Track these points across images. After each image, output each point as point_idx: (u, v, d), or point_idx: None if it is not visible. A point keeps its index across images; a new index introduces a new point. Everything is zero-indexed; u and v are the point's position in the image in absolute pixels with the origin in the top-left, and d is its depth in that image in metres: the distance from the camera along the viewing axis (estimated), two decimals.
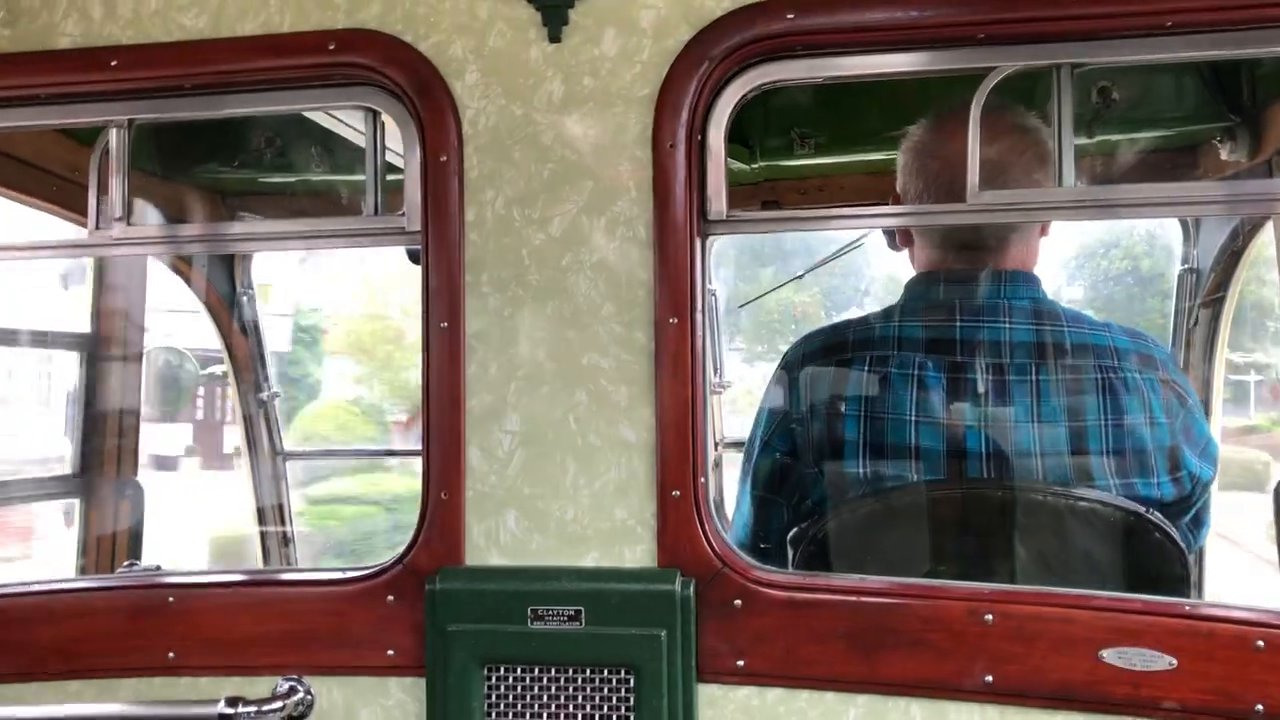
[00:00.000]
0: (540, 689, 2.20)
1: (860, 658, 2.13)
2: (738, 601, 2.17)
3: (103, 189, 2.50)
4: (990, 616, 2.08)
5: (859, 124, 3.56)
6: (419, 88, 2.30)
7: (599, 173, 2.26)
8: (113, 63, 2.42)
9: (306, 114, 3.12)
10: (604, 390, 2.24)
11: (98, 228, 2.51)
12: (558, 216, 2.27)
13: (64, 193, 3.36)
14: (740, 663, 2.17)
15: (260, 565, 4.47)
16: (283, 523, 4.40)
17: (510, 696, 2.21)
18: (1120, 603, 2.09)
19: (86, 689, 2.38)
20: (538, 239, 2.27)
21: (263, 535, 4.37)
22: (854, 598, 2.16)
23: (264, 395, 4.32)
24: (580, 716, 2.19)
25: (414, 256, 3.68)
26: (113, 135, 2.47)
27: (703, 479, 2.20)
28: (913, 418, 2.48)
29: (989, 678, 2.07)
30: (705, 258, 2.26)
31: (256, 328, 4.27)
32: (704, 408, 2.23)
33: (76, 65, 2.44)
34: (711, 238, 2.27)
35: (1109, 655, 2.04)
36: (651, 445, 2.21)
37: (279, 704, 2.27)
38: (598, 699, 2.18)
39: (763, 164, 3.67)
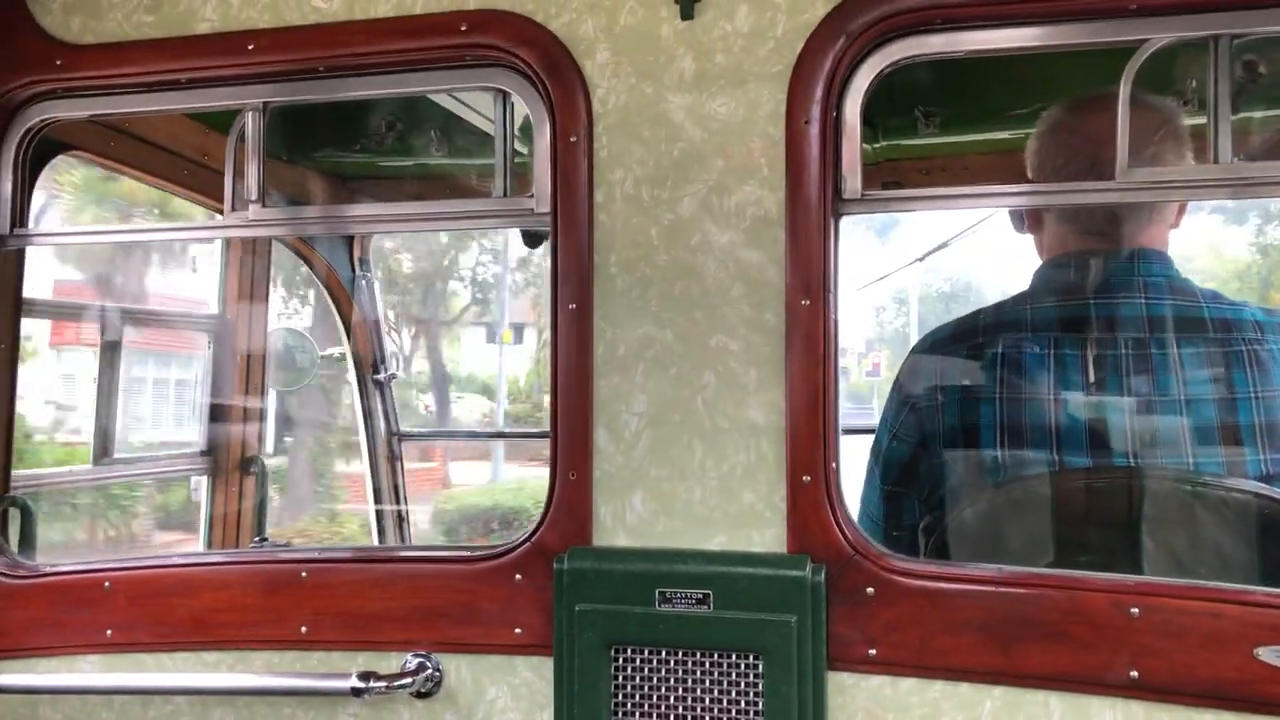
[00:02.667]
0: (667, 671, 2.19)
1: (997, 649, 2.07)
2: (870, 589, 2.13)
3: (237, 172, 2.55)
4: (1136, 610, 2.00)
5: (985, 102, 3.45)
6: (549, 68, 2.30)
7: (730, 151, 2.22)
8: (250, 46, 2.46)
9: (427, 96, 3.15)
10: (733, 372, 2.21)
11: (233, 210, 2.56)
12: (687, 196, 2.24)
13: (195, 176, 3.45)
14: (872, 651, 2.12)
15: (375, 543, 4.56)
16: (398, 501, 4.47)
17: (637, 678, 2.20)
18: (1277, 599, 1.99)
19: (223, 659, 2.45)
20: (667, 219, 2.25)
21: (378, 514, 4.44)
22: (991, 588, 2.10)
23: (380, 376, 4.39)
24: (708, 700, 2.17)
25: (529, 239, 3.70)
26: (249, 119, 2.52)
27: (834, 464, 2.16)
28: (1051, 396, 2.41)
29: (1134, 673, 2.00)
30: (839, 238, 2.21)
31: (375, 310, 4.34)
32: (835, 391, 2.19)
33: (215, 49, 2.49)
34: (845, 217, 2.22)
35: (1266, 654, 1.94)
36: (781, 428, 2.18)
37: (408, 679, 2.30)
38: (725, 683, 2.16)
39: (884, 143, 3.59)
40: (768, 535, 2.18)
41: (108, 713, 2.49)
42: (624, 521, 2.26)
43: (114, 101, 2.63)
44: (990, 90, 3.39)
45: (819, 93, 2.18)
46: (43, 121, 2.66)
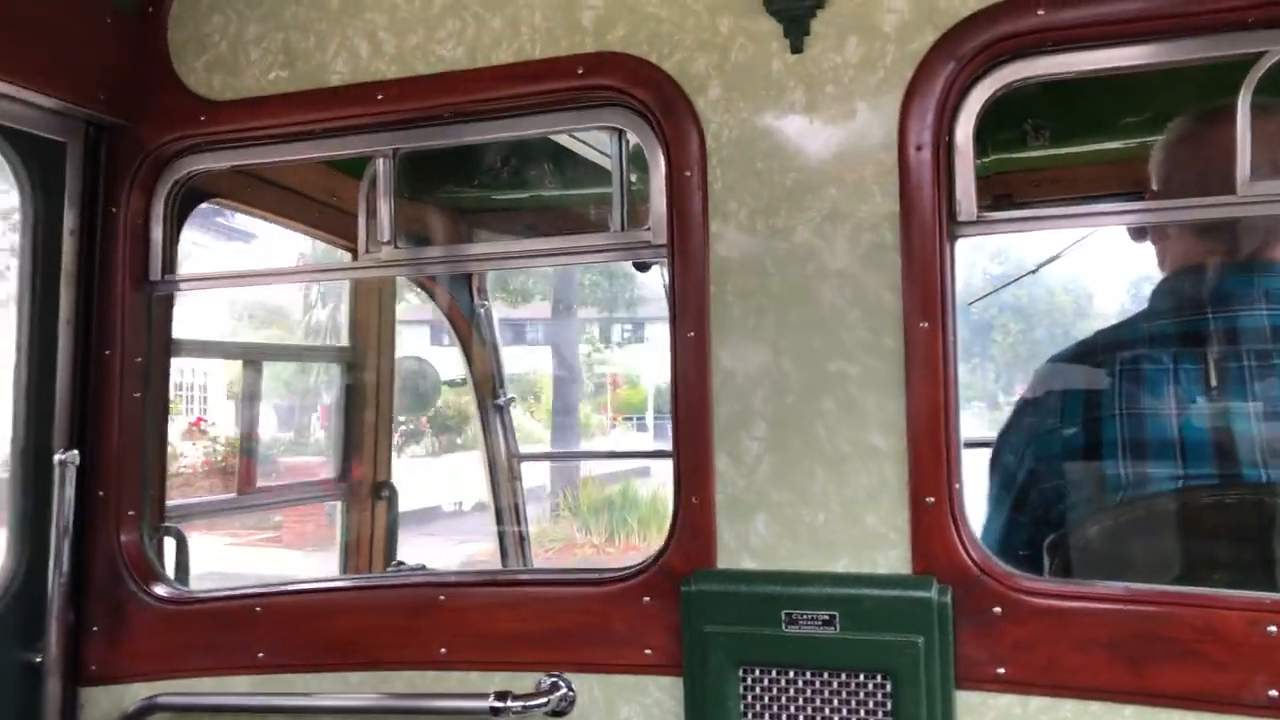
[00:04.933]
0: (796, 691, 2.23)
1: (1127, 668, 2.06)
2: (997, 609, 2.14)
3: (370, 214, 2.68)
4: (1274, 628, 1.97)
5: (1095, 113, 3.43)
6: (663, 106, 2.37)
7: (843, 179, 2.27)
8: (379, 96, 2.60)
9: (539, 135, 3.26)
10: (852, 396, 2.25)
11: (367, 251, 2.69)
12: (801, 225, 2.29)
13: (325, 217, 3.62)
14: (1000, 670, 2.13)
15: (499, 565, 4.68)
16: (518, 523, 4.58)
17: (766, 698, 2.25)
18: None
19: (367, 679, 2.56)
20: (782, 247, 2.30)
21: (500, 535, 4.56)
22: (1120, 606, 2.09)
23: (500, 401, 4.51)
24: (837, 719, 2.21)
25: (640, 267, 3.78)
26: (380, 164, 2.66)
27: (958, 485, 2.18)
28: (1174, 411, 2.38)
29: (1273, 692, 1.97)
30: (955, 260, 2.24)
31: (493, 337, 4.47)
32: (957, 412, 2.21)
33: (347, 100, 2.63)
34: (960, 239, 2.24)
35: None
36: (902, 451, 2.20)
37: (544, 699, 2.39)
38: (854, 703, 2.19)
39: (993, 157, 3.58)
40: (892, 557, 2.21)
41: None
42: (748, 544, 2.31)
43: (253, 152, 2.80)
44: (1101, 101, 3.36)
45: (930, 118, 2.21)
46: (189, 173, 2.85)
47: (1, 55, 2.47)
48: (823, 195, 2.28)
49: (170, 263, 2.87)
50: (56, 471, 2.58)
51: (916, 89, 2.22)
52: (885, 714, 2.17)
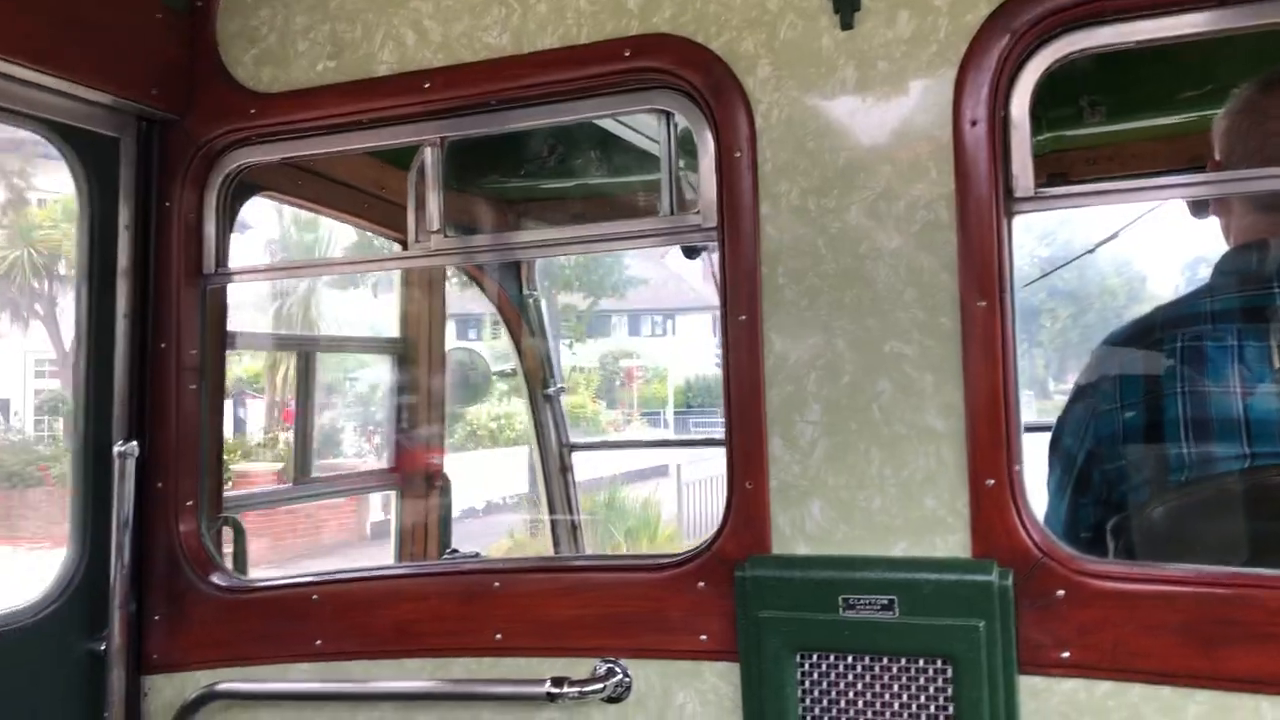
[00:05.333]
0: (854, 677, 2.20)
1: (1199, 651, 2.01)
2: (1060, 592, 2.10)
3: (419, 205, 2.68)
4: None
5: (1152, 87, 3.35)
6: (712, 87, 2.35)
7: (896, 157, 2.23)
8: (426, 85, 2.60)
9: (585, 120, 3.25)
10: (908, 377, 2.21)
11: (416, 241, 2.70)
12: (854, 204, 2.26)
13: (374, 209, 3.64)
14: (1064, 654, 2.09)
15: (550, 553, 4.69)
16: (570, 511, 4.59)
17: (824, 684, 2.22)
18: None
19: (424, 666, 2.58)
20: (834, 227, 2.27)
21: (553, 525, 4.57)
22: (1190, 588, 2.04)
23: (550, 390, 4.52)
24: (896, 705, 2.18)
25: (688, 251, 3.75)
26: (427, 154, 2.66)
27: (1017, 466, 2.14)
28: (1238, 389, 2.32)
29: None
30: (1012, 237, 2.19)
31: (543, 327, 4.47)
32: (1016, 393, 2.16)
33: (394, 90, 2.64)
34: (1018, 216, 2.20)
35: None
36: (961, 433, 2.17)
37: (599, 685, 2.38)
38: (914, 688, 2.17)
39: (1048, 135, 3.51)
40: (951, 541, 2.18)
41: (320, 717, 2.65)
42: (803, 529, 2.28)
43: (303, 144, 2.81)
44: (1158, 75, 3.28)
45: (985, 93, 2.16)
46: (240, 167, 2.87)
47: (56, 53, 2.50)
48: (876, 174, 2.24)
49: (223, 256, 2.90)
50: (116, 463, 2.62)
51: (970, 63, 2.17)
52: (946, 699, 2.14)
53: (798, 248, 2.30)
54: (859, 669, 2.20)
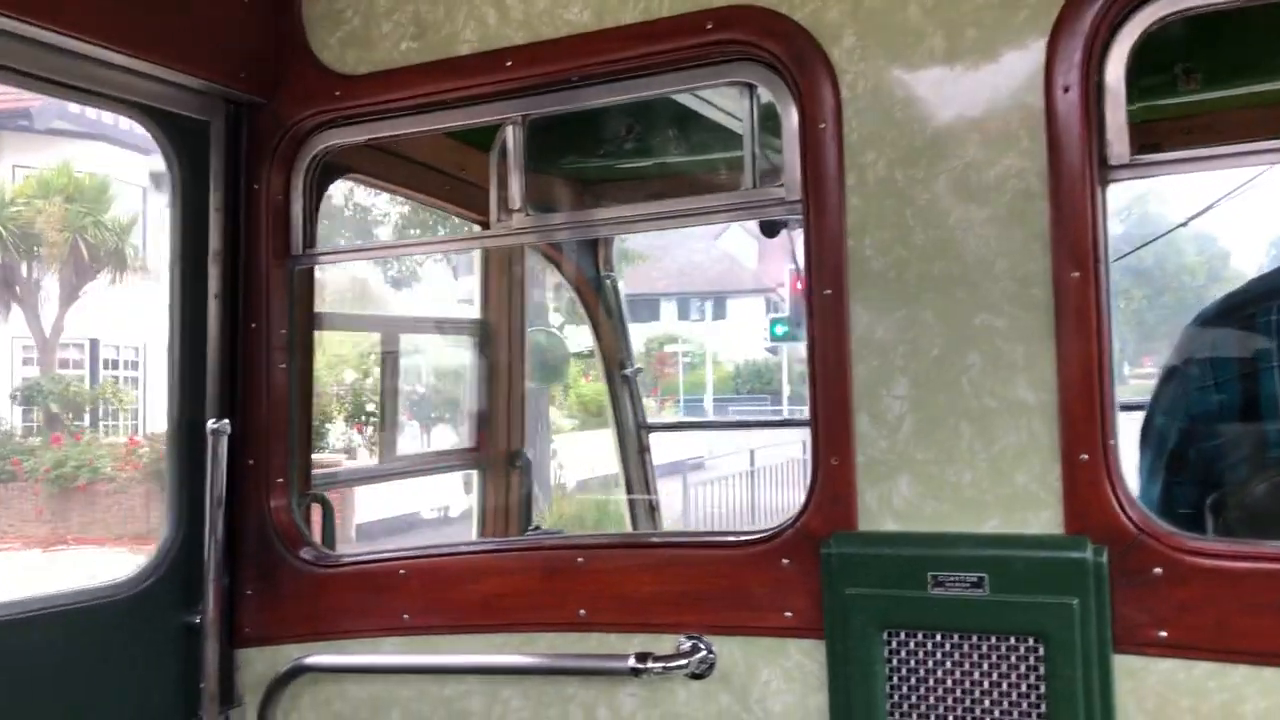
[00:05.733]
0: (943, 655, 2.17)
1: None
2: (1158, 570, 2.04)
3: (501, 183, 2.70)
4: None
5: (1250, 53, 3.23)
6: (796, 57, 2.32)
7: (986, 126, 2.18)
8: (508, 63, 2.61)
9: (664, 96, 3.23)
10: (999, 350, 2.17)
11: (498, 220, 2.71)
12: (943, 173, 2.21)
13: (456, 190, 3.67)
14: (1162, 634, 2.04)
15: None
16: (648, 491, 4.59)
17: (912, 661, 2.20)
18: None
19: (509, 641, 2.60)
20: (923, 198, 2.23)
21: (630, 504, 4.58)
22: None
23: (627, 371, 4.52)
24: (986, 684, 2.14)
25: (767, 228, 3.71)
26: (509, 132, 2.67)
27: (1113, 441, 2.09)
28: None
29: None
30: (1106, 206, 2.14)
31: (619, 307, 4.48)
32: (1111, 365, 2.11)
33: (476, 68, 2.65)
34: (1113, 184, 2.14)
35: None
36: (1053, 406, 2.12)
37: (683, 661, 2.38)
38: (1005, 667, 2.13)
39: (1139, 104, 3.41)
40: (1043, 517, 2.13)
41: (407, 690, 2.70)
42: (890, 505, 2.25)
43: (387, 125, 2.84)
44: (1256, 41, 3.16)
45: (1079, 57, 2.11)
46: (325, 149, 2.91)
47: (149, 38, 2.56)
48: (965, 143, 2.20)
49: (310, 237, 2.94)
50: (209, 441, 2.68)
51: (1063, 28, 2.12)
52: (1038, 677, 2.10)
53: (884, 219, 2.26)
54: (947, 647, 2.17)
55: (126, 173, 28.13)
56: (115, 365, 30.12)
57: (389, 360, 3.70)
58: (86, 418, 26.45)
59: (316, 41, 2.84)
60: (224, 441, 2.69)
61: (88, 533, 19.97)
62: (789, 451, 18.79)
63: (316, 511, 3.15)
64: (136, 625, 2.70)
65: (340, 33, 2.82)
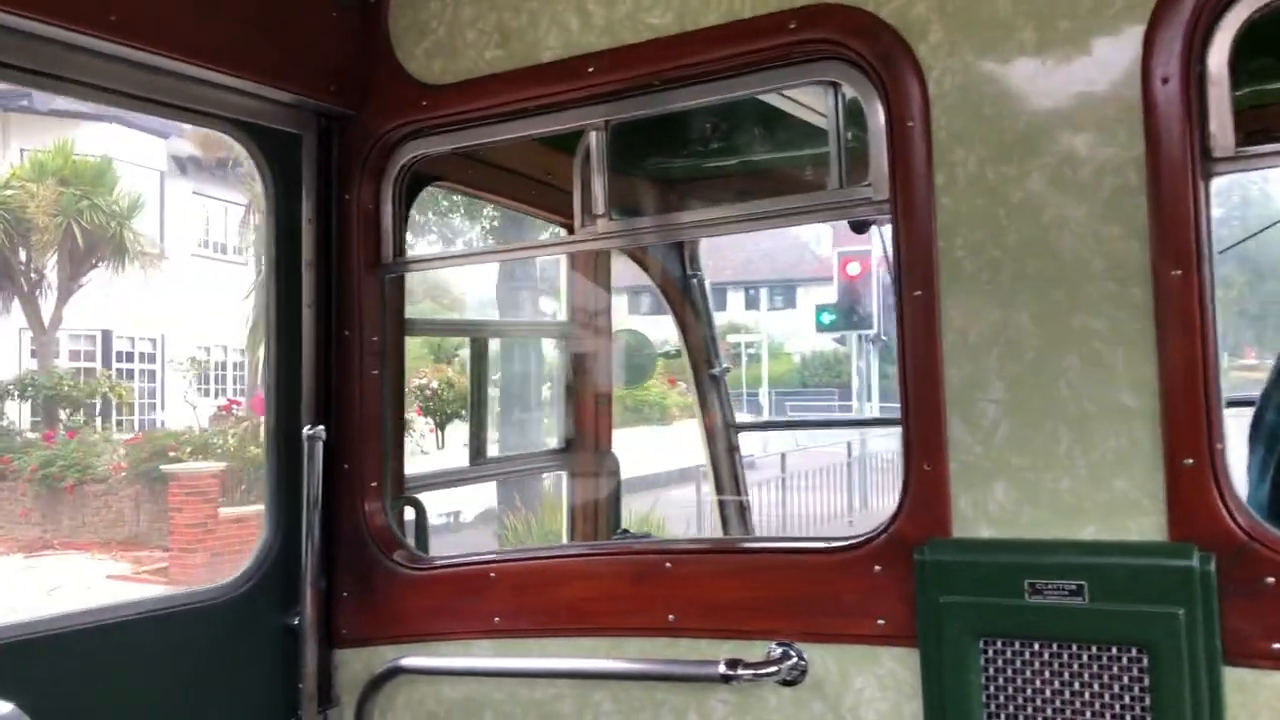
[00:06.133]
0: (1041, 664, 2.12)
1: None
2: (1270, 579, 1.96)
3: (585, 188, 2.70)
4: None
5: None
6: (881, 55, 2.28)
7: (1080, 120, 2.11)
8: (590, 69, 2.61)
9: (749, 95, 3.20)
10: (1097, 353, 2.10)
11: (583, 225, 2.72)
12: (1036, 170, 2.15)
13: (543, 195, 3.69)
14: (1275, 646, 1.96)
15: (720, 533, 4.69)
16: (738, 491, 4.56)
17: (1009, 671, 2.14)
18: None
19: (598, 645, 2.61)
20: (1015, 196, 2.17)
21: (721, 505, 4.56)
22: None
23: (715, 370, 4.50)
24: (1088, 695, 2.08)
25: (856, 225, 3.65)
26: (592, 138, 2.67)
27: (1219, 445, 2.01)
28: None
29: None
30: (1210, 201, 2.05)
31: (706, 307, 4.46)
32: (1216, 366, 2.03)
33: (559, 75, 2.66)
34: (1217, 178, 2.05)
35: None
36: (1155, 410, 2.04)
37: (774, 668, 2.36)
38: (1106, 678, 2.06)
39: (1247, 90, 3.27)
40: (1145, 524, 2.06)
41: (499, 693, 2.72)
42: (985, 512, 2.20)
43: (472, 134, 2.87)
44: None
45: (1179, 47, 2.03)
46: (413, 158, 2.95)
47: (243, 56, 2.62)
48: (1058, 138, 2.13)
49: (400, 245, 2.99)
50: (305, 446, 2.74)
51: (1162, 16, 2.04)
52: (1142, 689, 2.03)
53: (976, 218, 2.21)
54: (1046, 656, 2.11)
55: (142, 156, 27.08)
56: (129, 358, 28.95)
57: (478, 364, 3.74)
58: (82, 414, 24.89)
59: (403, 53, 2.88)
60: (319, 447, 2.75)
61: (76, 537, 19.19)
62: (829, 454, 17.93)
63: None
64: (238, 627, 2.77)
65: (426, 43, 2.85)
